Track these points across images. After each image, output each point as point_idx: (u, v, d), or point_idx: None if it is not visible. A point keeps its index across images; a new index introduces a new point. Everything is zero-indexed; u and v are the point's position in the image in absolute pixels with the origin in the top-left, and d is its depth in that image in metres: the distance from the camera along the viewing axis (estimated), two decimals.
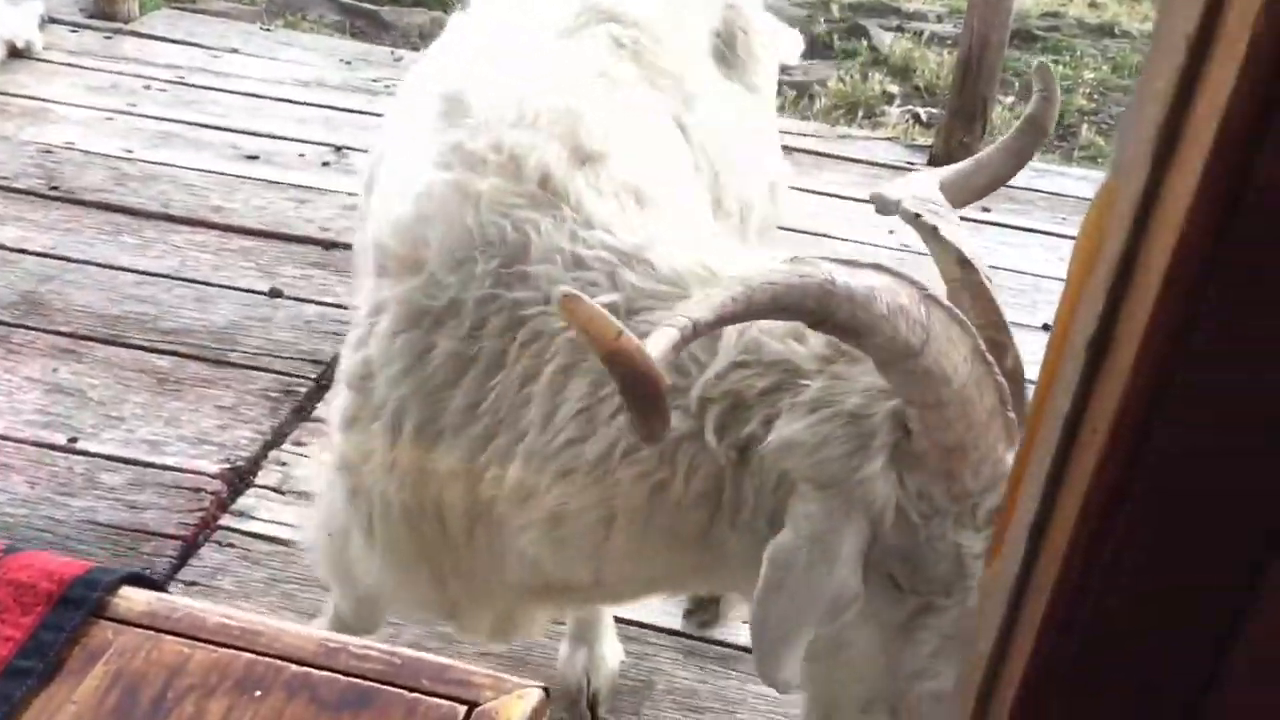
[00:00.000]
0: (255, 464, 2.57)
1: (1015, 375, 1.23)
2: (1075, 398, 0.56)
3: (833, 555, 1.15)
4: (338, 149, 3.90)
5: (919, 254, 3.99)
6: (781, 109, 5.31)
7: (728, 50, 1.98)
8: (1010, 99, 5.47)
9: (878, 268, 1.13)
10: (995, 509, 1.15)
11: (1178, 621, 0.56)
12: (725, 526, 1.28)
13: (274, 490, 2.50)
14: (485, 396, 1.37)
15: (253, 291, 3.14)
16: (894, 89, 5.37)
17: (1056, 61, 5.61)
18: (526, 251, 1.37)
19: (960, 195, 1.39)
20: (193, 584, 2.29)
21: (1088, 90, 5.52)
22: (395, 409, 1.42)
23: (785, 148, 4.30)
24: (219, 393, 2.78)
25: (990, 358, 1.16)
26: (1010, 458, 1.16)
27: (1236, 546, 0.52)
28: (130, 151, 3.79)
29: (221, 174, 3.73)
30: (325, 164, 3.82)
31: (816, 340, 1.24)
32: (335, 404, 1.55)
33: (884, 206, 1.34)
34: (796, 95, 5.35)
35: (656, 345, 1.00)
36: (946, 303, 1.15)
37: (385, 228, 1.49)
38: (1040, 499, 0.60)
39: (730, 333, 1.25)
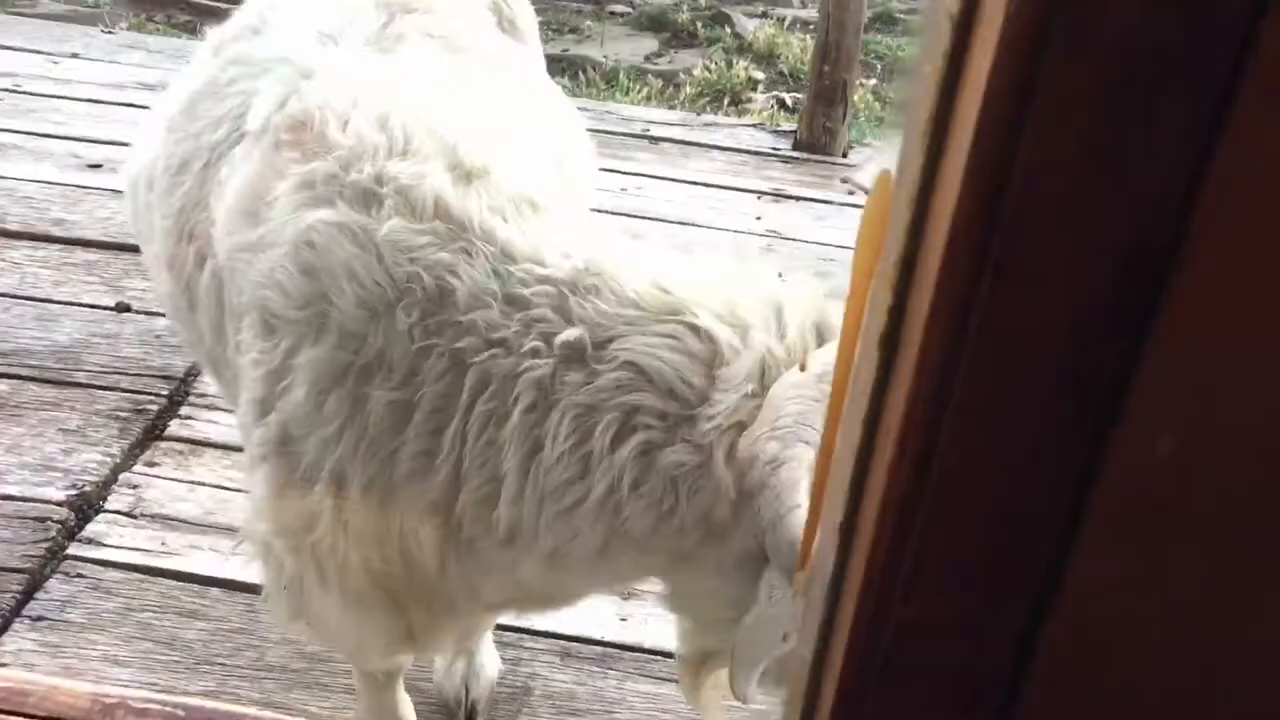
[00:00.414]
0: (104, 488, 2.46)
1: None
2: (872, 398, 0.54)
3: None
4: None
5: (789, 239, 4.02)
6: (647, 98, 5.30)
7: (501, 20, 1.94)
8: (873, 81, 5.55)
9: None
10: None
11: (981, 614, 0.54)
12: (718, 544, 1.25)
13: (125, 514, 2.39)
14: (440, 444, 1.32)
15: (98, 307, 3.00)
16: (759, 75, 5.41)
17: (916, 43, 5.70)
18: (451, 300, 1.32)
19: None
20: (40, 619, 2.17)
21: None
22: (335, 469, 1.36)
23: (651, 138, 4.30)
24: (64, 415, 2.65)
25: None
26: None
27: (1032, 548, 0.51)
28: None
29: (63, 185, 3.56)
30: None
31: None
32: (255, 475, 1.45)
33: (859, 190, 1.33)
34: (663, 84, 5.34)
35: (799, 464, 1.03)
36: None
37: (264, 284, 1.40)
38: (845, 501, 0.58)
39: (736, 366, 1.22)
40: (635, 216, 3.68)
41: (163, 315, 2.96)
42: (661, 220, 3.72)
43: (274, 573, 1.53)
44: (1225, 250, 0.44)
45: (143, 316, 2.96)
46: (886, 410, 0.55)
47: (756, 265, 1.37)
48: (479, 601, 1.48)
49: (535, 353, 1.28)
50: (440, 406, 1.31)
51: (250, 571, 2.21)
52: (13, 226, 3.36)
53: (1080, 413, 0.48)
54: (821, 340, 1.23)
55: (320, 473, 1.37)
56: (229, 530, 2.36)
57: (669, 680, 2.13)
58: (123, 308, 2.98)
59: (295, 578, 1.48)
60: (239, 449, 2.58)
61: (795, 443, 1.04)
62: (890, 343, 0.54)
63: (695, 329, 1.25)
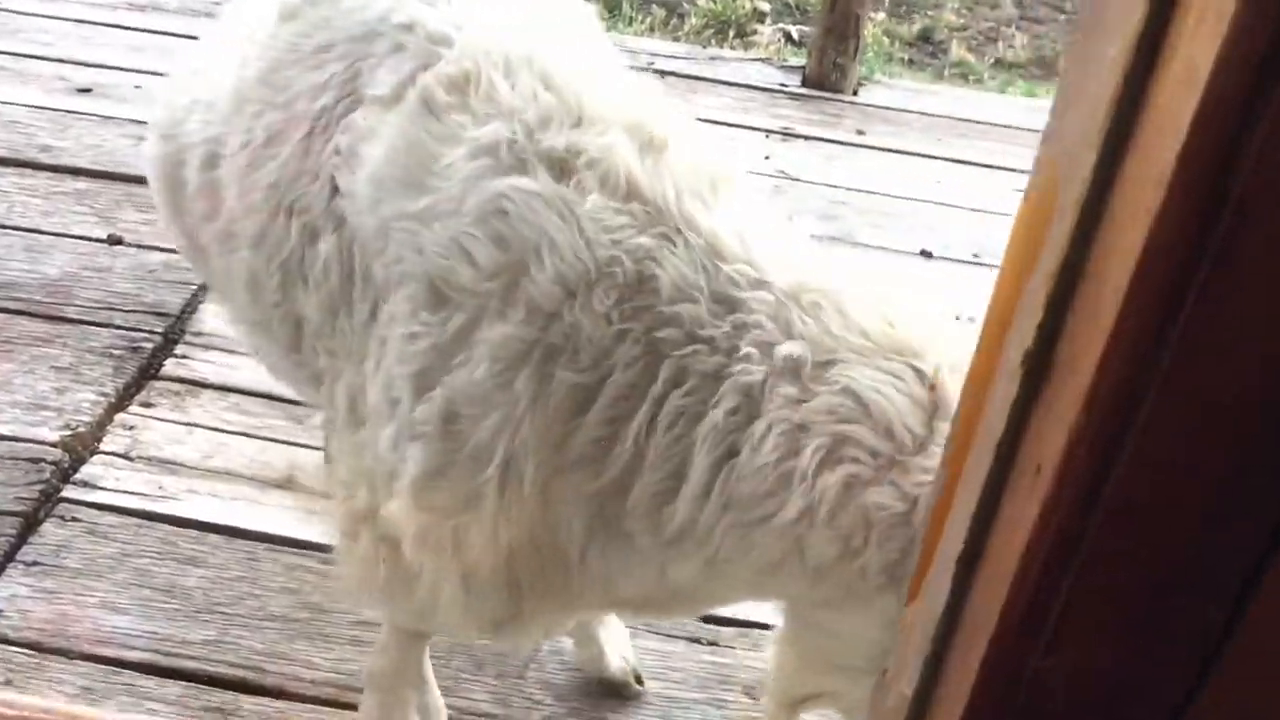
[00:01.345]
0: (99, 429, 2.38)
1: None
2: (1010, 423, 0.47)
3: None
4: None
5: (797, 180, 3.91)
6: (650, 29, 5.16)
7: None
8: (882, 15, 5.41)
9: None
10: None
11: (1139, 671, 0.48)
12: (894, 595, 1.17)
13: (121, 457, 2.32)
14: (619, 433, 1.28)
15: (89, 239, 2.90)
16: (765, 6, 5.26)
17: None
18: (653, 287, 1.27)
19: None
20: (34, 564, 2.11)
21: (956, 5, 5.49)
22: (509, 452, 1.31)
23: (656, 71, 4.18)
24: (56, 352, 2.57)
25: None
26: None
27: (1203, 603, 0.44)
28: None
29: (51, 109, 3.43)
30: None
31: None
32: (402, 452, 1.37)
33: None
34: (666, 15, 5.20)
35: None
36: None
37: (443, 254, 1.33)
38: (969, 531, 0.51)
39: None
40: None
41: (156, 248, 2.88)
42: None
43: (372, 550, 1.47)
44: None
45: (135, 250, 2.86)
46: (1028, 436, 0.48)
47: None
48: (608, 596, 1.44)
49: (748, 358, 1.23)
50: (626, 395, 1.27)
51: (258, 519, 2.15)
52: (1, 153, 3.24)
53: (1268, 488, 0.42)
54: None
55: (493, 454, 1.31)
56: (228, 474, 2.30)
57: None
58: (114, 240, 2.88)
59: (416, 559, 1.42)
60: (238, 391, 2.52)
61: None
62: (1037, 362, 0.47)
63: (921, 375, 1.20)
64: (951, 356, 1.21)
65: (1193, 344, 0.39)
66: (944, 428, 1.16)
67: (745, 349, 1.23)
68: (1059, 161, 0.47)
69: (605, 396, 1.27)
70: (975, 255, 3.28)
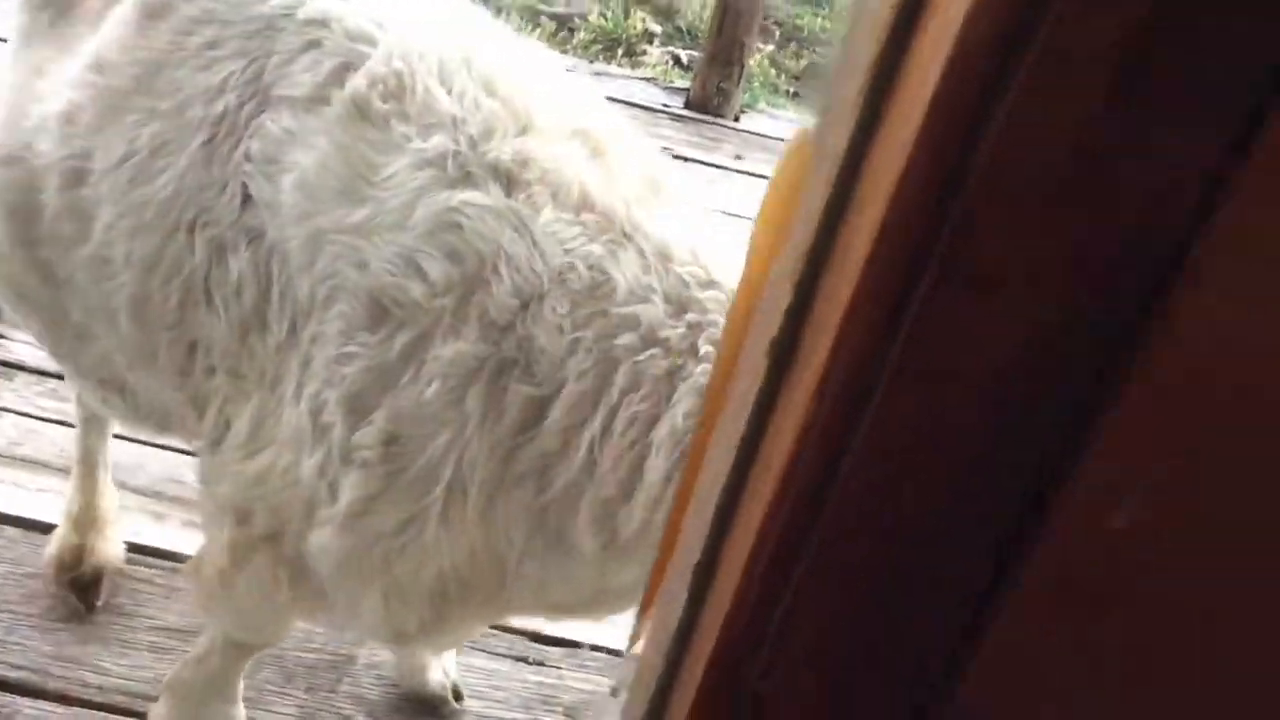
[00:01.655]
0: None
1: None
2: (752, 417, 0.42)
3: None
4: None
5: None
6: (540, 41, 5.11)
7: None
8: (770, 47, 5.46)
9: None
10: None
11: (865, 696, 0.43)
12: None
13: None
14: (571, 443, 1.22)
15: None
16: (656, 28, 5.25)
17: (817, 14, 5.63)
18: (608, 291, 1.22)
19: None
20: None
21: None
22: (456, 472, 1.24)
23: None
24: None
25: None
26: None
27: (938, 621, 0.40)
28: None
29: None
30: None
31: None
32: (340, 480, 1.29)
33: None
34: (556, 28, 5.16)
35: None
36: None
37: (390, 269, 1.25)
38: (706, 538, 0.46)
39: None
40: None
41: None
42: None
43: (269, 573, 1.38)
44: (1235, 273, 0.34)
45: None
46: (769, 433, 0.43)
47: None
48: (539, 601, 1.39)
49: (706, 358, 1.19)
50: (580, 404, 1.21)
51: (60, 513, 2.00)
52: None
53: (1022, 462, 0.38)
54: None
55: (439, 475, 1.24)
56: (35, 464, 2.15)
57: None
58: None
59: (335, 583, 1.34)
60: (56, 376, 2.36)
61: None
62: (782, 351, 0.42)
63: None
64: None
65: (930, 323, 0.35)
66: None
67: (703, 348, 1.19)
68: (816, 134, 0.43)
69: (559, 408, 1.22)
70: None
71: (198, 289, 1.38)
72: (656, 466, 1.20)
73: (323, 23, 1.36)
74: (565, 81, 1.41)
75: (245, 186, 1.34)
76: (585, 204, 1.25)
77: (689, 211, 1.32)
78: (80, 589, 1.93)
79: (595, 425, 1.21)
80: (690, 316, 1.21)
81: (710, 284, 1.23)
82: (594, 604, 1.40)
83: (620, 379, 1.21)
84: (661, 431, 1.19)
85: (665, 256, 1.23)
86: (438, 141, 1.26)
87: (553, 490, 1.24)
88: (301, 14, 1.37)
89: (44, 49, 1.55)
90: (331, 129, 1.30)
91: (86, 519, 1.95)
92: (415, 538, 1.28)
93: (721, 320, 1.19)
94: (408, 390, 1.24)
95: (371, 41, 1.33)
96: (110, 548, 1.97)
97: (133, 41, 1.43)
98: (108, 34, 1.46)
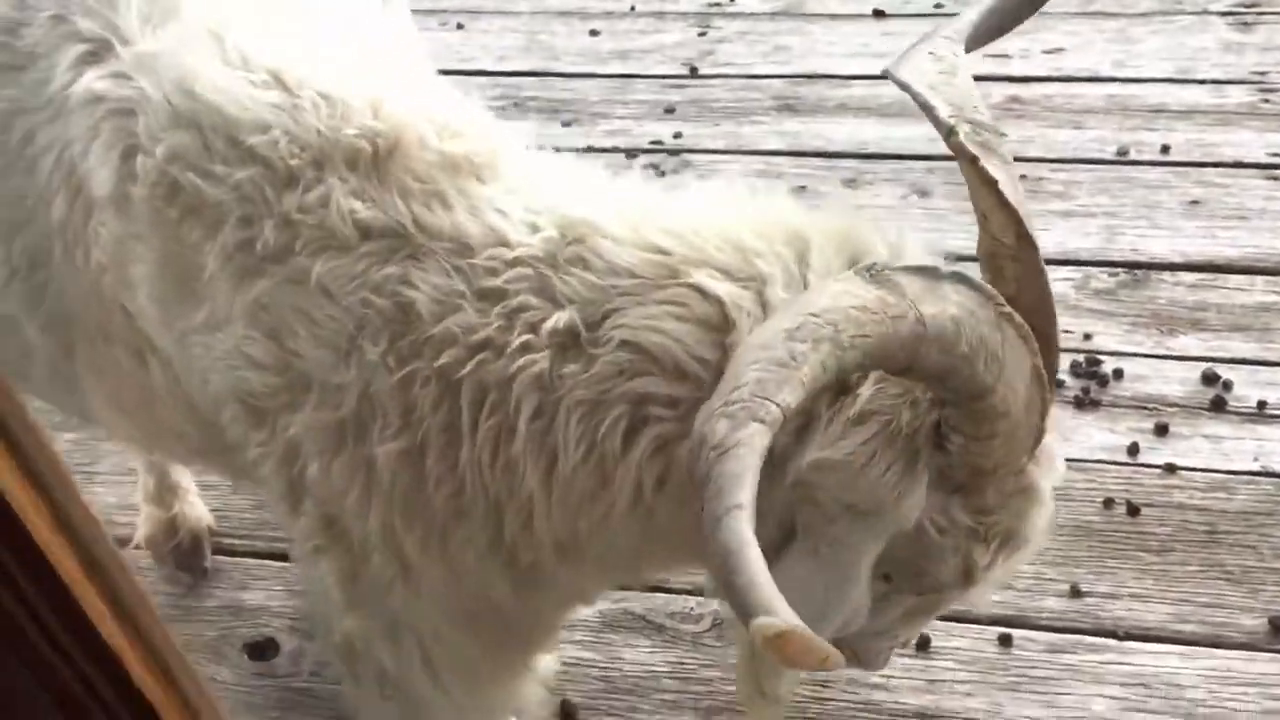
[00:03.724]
0: None
1: (1052, 370, 1.07)
2: None
3: (852, 576, 1.06)
4: None
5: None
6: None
7: None
8: None
9: (956, 278, 0.95)
10: (1007, 526, 1.08)
11: None
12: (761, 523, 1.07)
13: None
14: (463, 477, 1.16)
15: None
16: None
17: None
18: (415, 315, 1.14)
19: (971, 44, 1.16)
20: None
21: None
22: (383, 533, 1.21)
23: None
24: None
25: (1045, 373, 1.02)
26: (1033, 467, 1.07)
27: None
28: None
29: None
30: None
31: None
32: (319, 572, 1.28)
33: (904, 88, 1.07)
34: None
35: (749, 451, 0.84)
36: (1018, 318, 0.98)
37: (234, 364, 1.21)
38: None
39: (740, 320, 1.07)
40: None
41: None
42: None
43: (374, 667, 1.37)
44: None
45: None
46: None
47: (772, 194, 1.18)
48: (575, 606, 1.43)
49: (526, 347, 1.10)
50: (448, 439, 1.15)
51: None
52: None
53: None
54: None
55: (372, 541, 1.21)
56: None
57: None
58: None
59: (399, 659, 1.34)
60: None
61: (748, 421, 0.85)
62: None
63: (701, 290, 1.07)
64: (734, 247, 1.09)
65: None
66: (736, 339, 1.05)
67: (519, 339, 1.10)
68: None
69: (433, 451, 1.15)
70: (937, 5, 3.07)
71: (148, 391, 1.35)
72: (531, 483, 1.13)
73: (93, 102, 1.26)
74: (351, 68, 1.25)
75: (121, 304, 1.29)
76: (365, 233, 1.16)
77: (509, 179, 1.20)
78: (183, 556, 1.94)
79: (466, 454, 1.14)
80: (500, 307, 1.12)
81: (514, 262, 1.13)
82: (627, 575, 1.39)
83: (466, 397, 1.13)
84: (519, 444, 1.12)
85: (464, 250, 1.14)
86: (224, 237, 1.19)
87: (479, 526, 1.18)
88: (75, 96, 1.27)
89: None
90: (147, 236, 1.24)
91: (165, 490, 1.96)
92: (406, 593, 1.25)
93: (532, 298, 1.11)
94: (310, 472, 1.21)
95: (133, 114, 1.23)
96: (196, 510, 2.00)
97: None
98: None
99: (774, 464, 1.03)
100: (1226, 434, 2.02)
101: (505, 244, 1.13)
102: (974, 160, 1.01)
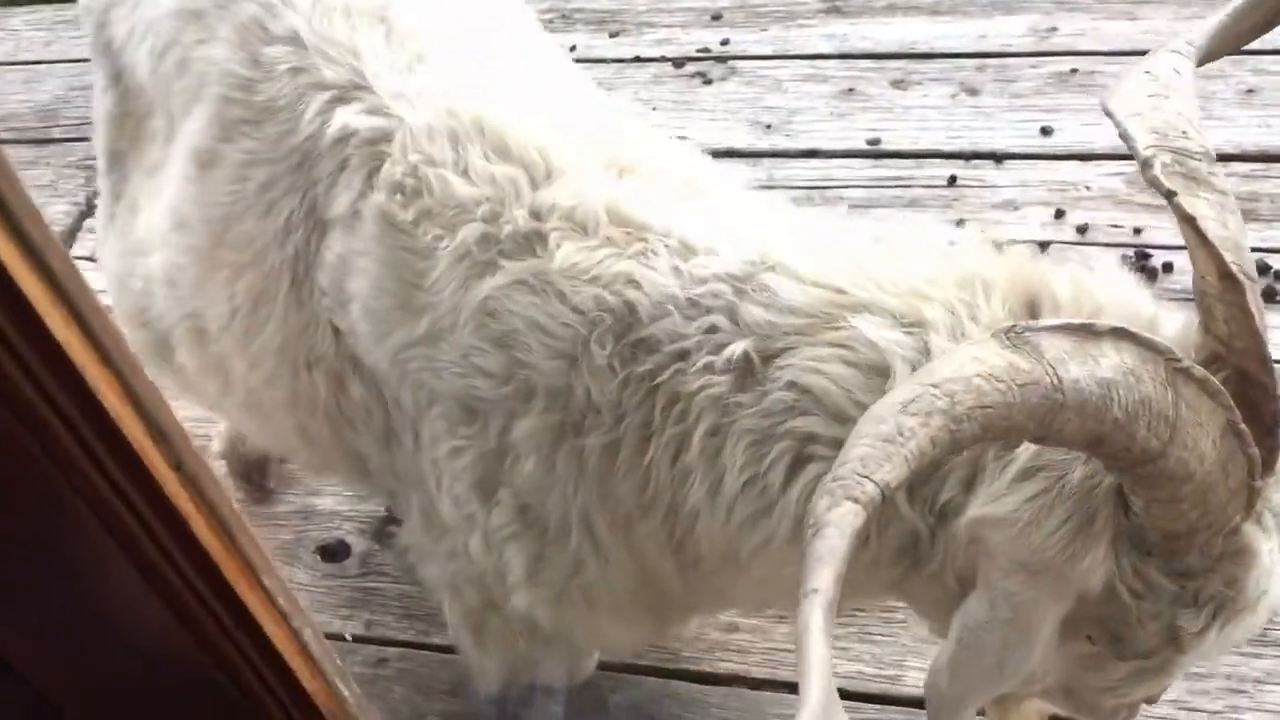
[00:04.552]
0: (70, 236, 2.34)
1: (1271, 418, 1.00)
2: None
3: (1033, 638, 1.02)
4: None
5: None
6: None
7: None
8: None
9: (1118, 335, 0.89)
10: (1218, 591, 1.02)
11: None
12: (916, 580, 1.13)
13: (86, 259, 2.26)
14: (649, 474, 1.20)
15: (82, 60, 2.84)
16: None
17: None
18: (636, 313, 1.17)
19: (1215, 52, 1.11)
20: None
21: None
22: (581, 516, 1.27)
23: None
24: (38, 172, 2.56)
25: (1243, 428, 0.93)
26: (1251, 528, 0.99)
27: None
28: None
29: None
30: None
31: None
32: (503, 556, 1.33)
33: (1116, 127, 1.02)
34: None
35: (838, 533, 0.80)
36: (1200, 373, 0.91)
37: (459, 372, 1.26)
38: None
39: (900, 368, 1.07)
40: None
41: None
42: None
43: (505, 631, 1.45)
44: None
45: None
46: None
47: (959, 237, 1.18)
48: (734, 604, 1.47)
49: (709, 368, 1.13)
50: (642, 437, 1.19)
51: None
52: None
53: None
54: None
55: (569, 525, 1.27)
56: None
57: None
58: None
59: (557, 627, 1.40)
60: None
61: (843, 500, 0.82)
62: None
63: (866, 335, 1.08)
64: (908, 290, 1.08)
65: None
66: (898, 383, 1.03)
67: (705, 358, 1.13)
68: None
69: (627, 446, 1.19)
70: None
71: (337, 418, 1.42)
72: (698, 493, 1.16)
73: (344, 139, 1.32)
74: (585, 103, 1.36)
75: (331, 322, 1.35)
76: (615, 219, 1.20)
77: (723, 195, 1.26)
78: (251, 471, 2.03)
79: (653, 453, 1.18)
80: (699, 321, 1.14)
81: (715, 276, 1.15)
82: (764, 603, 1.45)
83: (660, 401, 1.16)
84: (693, 453, 1.14)
85: (687, 249, 1.18)
86: (464, 233, 1.24)
87: (658, 520, 1.22)
88: (329, 134, 1.32)
89: (121, 208, 1.61)
90: (371, 248, 1.29)
91: None
92: (589, 576, 1.30)
93: (723, 320, 1.13)
94: (515, 469, 1.26)
95: (388, 138, 1.29)
96: None
97: (198, 195, 1.44)
98: (177, 189, 1.46)
99: (946, 517, 1.05)
100: (1278, 325, 2.02)
101: (714, 252, 1.17)
102: (1171, 195, 0.96)
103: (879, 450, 0.83)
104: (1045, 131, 2.38)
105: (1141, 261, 2.13)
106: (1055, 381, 0.86)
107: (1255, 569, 1.00)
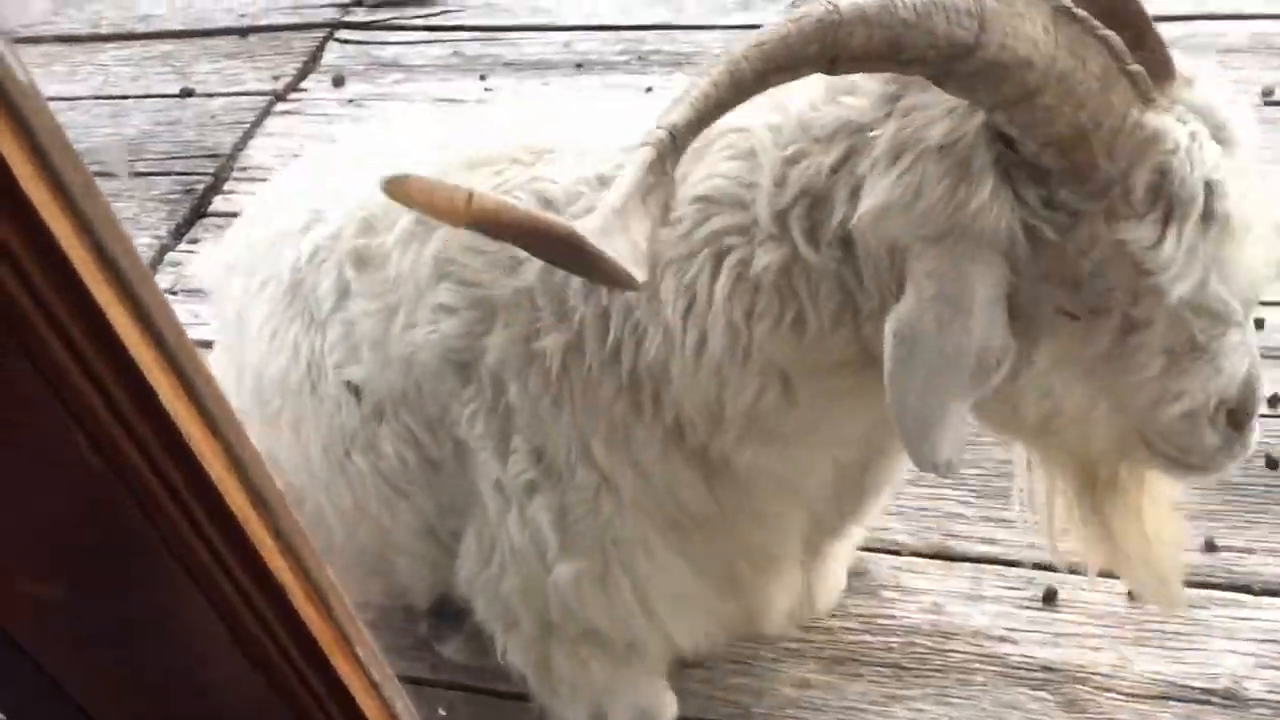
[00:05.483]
0: (152, 269, 2.37)
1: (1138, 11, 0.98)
2: None
3: (965, 307, 0.98)
4: None
5: None
6: None
7: None
8: None
9: None
10: (1153, 176, 0.95)
11: None
12: (871, 330, 1.09)
13: (168, 293, 2.29)
14: (618, 358, 1.22)
15: (165, 95, 2.92)
16: None
17: None
18: (553, 204, 1.22)
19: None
20: None
21: None
22: (580, 444, 1.28)
23: None
24: (123, 205, 2.60)
25: (1081, 11, 0.92)
26: (1154, 107, 0.95)
27: None
28: None
29: None
30: None
31: (872, 83, 1.04)
32: (538, 516, 1.33)
33: None
34: None
35: (635, 168, 0.84)
36: None
37: (439, 328, 1.31)
38: None
39: (763, 135, 1.10)
40: None
41: (220, 94, 2.88)
42: None
43: (571, 653, 1.45)
44: None
45: (203, 99, 2.88)
46: None
47: None
48: (775, 527, 1.37)
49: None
50: (599, 318, 1.20)
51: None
52: (105, 30, 3.31)
53: None
54: None
55: (574, 459, 1.28)
56: None
57: None
58: (186, 93, 2.92)
59: (611, 602, 1.37)
60: None
61: (639, 148, 0.87)
62: None
63: (740, 129, 1.11)
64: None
65: None
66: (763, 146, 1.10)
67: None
68: None
69: (589, 337, 1.21)
70: None
71: (387, 492, 1.43)
72: (658, 349, 1.18)
73: (316, 251, 1.41)
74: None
75: (347, 384, 1.38)
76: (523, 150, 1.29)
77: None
78: None
79: (614, 334, 1.19)
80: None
81: (617, 154, 1.18)
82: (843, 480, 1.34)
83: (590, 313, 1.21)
84: (640, 310, 1.17)
85: (588, 150, 1.24)
86: (402, 221, 1.33)
87: (658, 425, 1.22)
88: (304, 256, 1.42)
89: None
90: (360, 295, 1.37)
91: None
92: (613, 524, 1.29)
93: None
94: (511, 397, 1.27)
95: (340, 233, 1.38)
96: None
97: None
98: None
99: (850, 243, 1.04)
100: None
101: (608, 145, 1.22)
102: None
103: (670, 105, 0.88)
104: None
105: None
106: (830, 4, 0.87)
107: (1177, 152, 0.94)
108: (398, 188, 0.79)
